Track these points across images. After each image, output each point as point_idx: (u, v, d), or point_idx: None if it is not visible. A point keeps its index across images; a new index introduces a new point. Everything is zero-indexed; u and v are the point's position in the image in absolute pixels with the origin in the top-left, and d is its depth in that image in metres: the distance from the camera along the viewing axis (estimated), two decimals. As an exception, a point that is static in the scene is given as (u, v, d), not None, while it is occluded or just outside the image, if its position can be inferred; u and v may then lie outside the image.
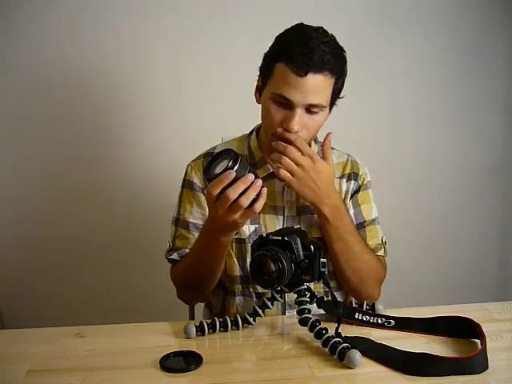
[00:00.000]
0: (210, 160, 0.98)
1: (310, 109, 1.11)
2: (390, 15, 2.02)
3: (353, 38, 1.98)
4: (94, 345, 0.98)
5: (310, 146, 1.26)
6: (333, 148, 1.33)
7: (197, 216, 1.25)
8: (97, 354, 0.95)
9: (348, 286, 1.23)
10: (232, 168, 0.92)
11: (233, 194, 0.93)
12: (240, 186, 0.93)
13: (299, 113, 1.10)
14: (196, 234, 1.24)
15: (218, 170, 0.94)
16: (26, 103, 1.91)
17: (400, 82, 2.09)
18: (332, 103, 1.17)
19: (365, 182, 1.31)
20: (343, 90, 1.19)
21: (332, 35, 1.13)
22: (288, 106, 1.11)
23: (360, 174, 1.31)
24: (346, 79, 1.17)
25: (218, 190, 0.94)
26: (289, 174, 1.10)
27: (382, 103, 2.08)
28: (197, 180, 1.26)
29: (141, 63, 1.92)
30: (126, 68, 1.92)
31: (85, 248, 2.00)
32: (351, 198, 1.29)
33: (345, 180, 1.29)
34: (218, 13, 1.91)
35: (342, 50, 1.14)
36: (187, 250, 1.23)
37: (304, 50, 1.07)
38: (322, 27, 1.13)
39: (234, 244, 1.22)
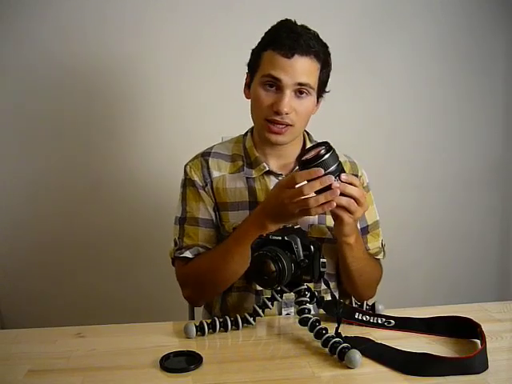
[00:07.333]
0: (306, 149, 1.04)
1: (298, 91, 1.13)
2: (390, 15, 2.02)
3: (353, 38, 1.99)
4: (94, 345, 0.98)
5: (304, 141, 1.29)
6: None
7: (204, 212, 1.24)
8: (97, 353, 0.95)
9: (355, 293, 1.24)
10: (322, 156, 0.96)
11: (307, 190, 0.96)
12: (315, 186, 0.95)
13: (288, 94, 1.12)
14: (206, 230, 1.23)
15: (309, 156, 0.98)
16: (26, 104, 1.91)
17: (400, 82, 2.08)
18: (319, 93, 1.19)
19: (365, 185, 1.31)
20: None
21: (316, 32, 1.16)
22: (277, 88, 1.13)
23: (359, 175, 1.30)
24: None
25: (303, 181, 0.96)
26: (349, 215, 1.01)
27: (381, 103, 2.08)
28: (197, 178, 1.26)
29: (141, 63, 1.92)
30: (126, 68, 1.92)
31: (85, 248, 2.00)
32: None
33: None
34: (219, 13, 1.91)
35: (325, 44, 1.17)
36: (200, 248, 1.21)
37: (290, 35, 1.11)
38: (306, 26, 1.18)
39: None
